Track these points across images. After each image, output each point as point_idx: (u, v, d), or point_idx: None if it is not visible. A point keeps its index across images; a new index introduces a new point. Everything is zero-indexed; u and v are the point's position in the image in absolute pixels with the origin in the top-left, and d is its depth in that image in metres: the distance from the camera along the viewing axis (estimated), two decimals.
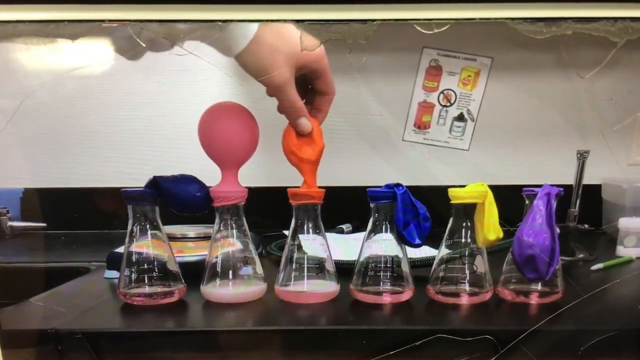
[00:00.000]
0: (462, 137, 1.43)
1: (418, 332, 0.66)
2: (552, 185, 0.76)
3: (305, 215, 0.78)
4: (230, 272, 0.78)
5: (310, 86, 0.81)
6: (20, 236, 1.27)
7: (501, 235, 0.76)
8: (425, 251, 0.92)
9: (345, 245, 1.06)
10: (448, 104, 1.43)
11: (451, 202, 0.77)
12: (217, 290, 0.77)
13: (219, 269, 0.78)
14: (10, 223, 1.26)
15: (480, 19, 0.50)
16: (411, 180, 0.99)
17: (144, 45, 0.58)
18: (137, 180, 0.79)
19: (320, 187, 0.79)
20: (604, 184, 1.35)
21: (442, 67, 1.42)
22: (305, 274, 0.77)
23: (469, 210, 0.77)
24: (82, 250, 1.23)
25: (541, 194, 0.75)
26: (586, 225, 1.13)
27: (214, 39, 0.64)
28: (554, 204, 0.76)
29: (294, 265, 0.78)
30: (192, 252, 0.92)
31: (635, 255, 1.07)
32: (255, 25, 0.71)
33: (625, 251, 1.08)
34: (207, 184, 0.78)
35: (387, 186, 0.77)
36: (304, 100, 0.80)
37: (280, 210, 0.82)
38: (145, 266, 0.77)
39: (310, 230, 0.78)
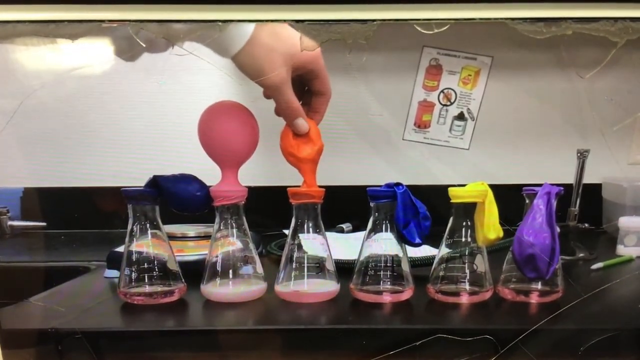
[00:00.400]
0: (462, 136, 1.43)
1: (418, 332, 0.66)
2: (552, 185, 0.76)
3: (306, 214, 0.78)
4: (231, 271, 0.78)
5: (306, 87, 0.81)
6: (20, 235, 1.27)
7: (501, 234, 0.76)
8: (425, 250, 0.92)
9: (345, 245, 1.06)
10: (448, 103, 1.43)
11: (451, 201, 0.77)
12: (217, 290, 0.77)
13: (219, 268, 0.78)
14: (10, 222, 1.25)
15: (480, 19, 0.50)
16: (411, 180, 0.99)
17: (144, 45, 0.58)
18: (137, 179, 0.79)
19: (320, 187, 0.79)
20: (604, 183, 1.35)
21: (442, 66, 1.41)
22: (306, 273, 0.77)
23: (469, 210, 0.77)
24: (82, 250, 1.23)
25: (541, 193, 0.75)
26: (586, 225, 1.13)
27: (211, 40, 0.64)
28: (554, 203, 0.76)
29: (294, 265, 0.78)
30: (192, 252, 0.92)
31: (635, 255, 1.07)
32: (252, 26, 0.71)
33: (625, 250, 1.08)
34: (207, 184, 0.78)
35: (387, 185, 0.77)
36: (300, 102, 0.80)
37: (280, 210, 0.82)
38: (146, 265, 0.77)
39: (311, 230, 0.78)
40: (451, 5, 0.50)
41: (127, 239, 0.77)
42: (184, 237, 1.03)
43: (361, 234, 0.81)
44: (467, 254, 0.77)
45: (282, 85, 0.75)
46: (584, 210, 1.09)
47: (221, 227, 0.79)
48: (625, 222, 1.10)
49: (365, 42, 0.51)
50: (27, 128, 1.39)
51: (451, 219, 0.79)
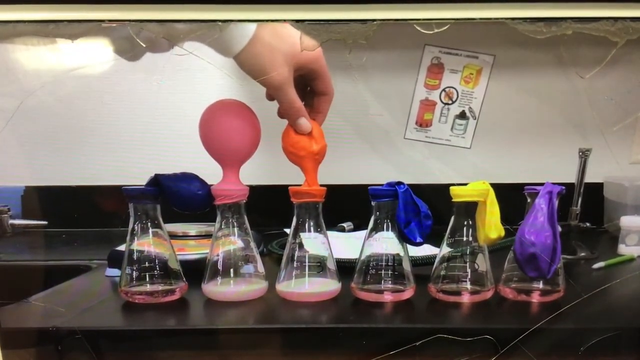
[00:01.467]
0: (463, 135, 1.43)
1: (419, 331, 0.66)
2: (554, 184, 0.76)
3: (307, 213, 0.78)
4: (232, 270, 0.78)
5: (308, 87, 0.81)
6: (21, 234, 1.27)
7: (502, 233, 0.76)
8: (426, 249, 0.92)
9: (346, 244, 1.06)
10: (450, 102, 1.43)
11: (453, 200, 0.77)
12: (218, 289, 0.78)
13: (220, 267, 0.78)
14: (11, 221, 1.25)
15: (480, 19, 0.50)
16: (412, 179, 0.99)
17: (144, 45, 0.58)
18: (138, 178, 0.79)
19: (321, 185, 0.79)
20: (606, 182, 1.35)
21: (443, 65, 1.41)
22: (307, 272, 0.77)
23: (470, 209, 0.77)
24: (83, 249, 1.23)
25: (543, 192, 0.75)
26: (588, 224, 1.13)
27: (213, 39, 0.64)
28: (556, 202, 0.76)
29: (295, 264, 0.78)
30: (194, 250, 0.92)
31: (636, 254, 1.06)
32: (254, 26, 0.71)
33: (626, 249, 1.08)
34: (209, 182, 0.78)
35: (389, 184, 0.77)
36: (303, 102, 0.79)
37: (281, 209, 0.82)
38: (147, 264, 0.77)
39: (312, 229, 0.78)
40: (451, 5, 0.50)
41: (128, 238, 0.78)
42: (185, 236, 1.03)
43: (362, 233, 0.81)
44: (468, 253, 0.77)
45: (284, 84, 0.75)
46: (586, 210, 1.09)
47: (222, 226, 0.79)
48: (627, 221, 1.10)
49: (366, 42, 0.51)
50: (27, 127, 1.39)
51: (452, 218, 0.79)
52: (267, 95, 0.79)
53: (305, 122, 0.78)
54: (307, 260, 0.77)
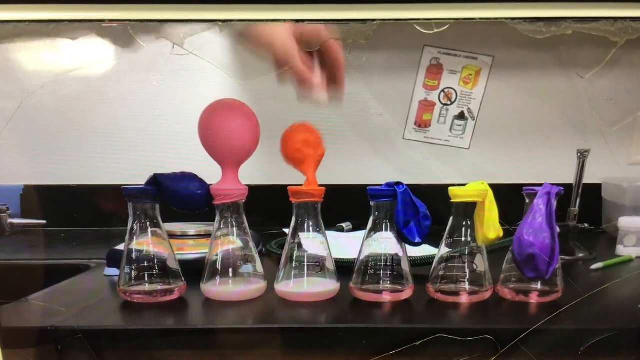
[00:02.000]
0: (462, 135, 1.43)
1: (418, 331, 0.66)
2: (553, 184, 0.76)
3: (306, 213, 0.78)
4: (231, 270, 0.78)
5: (319, 62, 0.81)
6: (20, 233, 1.27)
7: (501, 234, 0.76)
8: (425, 250, 0.92)
9: (345, 244, 1.06)
10: (449, 103, 1.43)
11: (451, 200, 0.77)
12: (217, 288, 0.78)
13: (219, 267, 0.78)
14: (10, 220, 1.25)
15: (480, 18, 0.50)
16: (411, 179, 0.99)
17: (144, 45, 0.58)
18: (137, 177, 0.79)
19: (320, 186, 0.79)
20: (604, 183, 1.35)
21: (443, 66, 1.41)
22: (305, 272, 0.77)
23: (469, 209, 0.77)
24: (82, 248, 1.23)
25: (541, 193, 0.75)
26: (586, 225, 1.13)
27: None
28: (554, 203, 0.76)
29: (294, 264, 0.78)
30: (193, 250, 0.92)
31: (635, 255, 1.07)
32: None
33: (625, 250, 1.08)
34: (208, 182, 0.78)
35: (388, 185, 0.77)
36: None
37: (280, 209, 0.82)
38: (146, 264, 0.77)
39: (311, 229, 0.78)
40: (451, 5, 0.50)
41: (127, 237, 0.78)
42: (184, 236, 1.03)
43: (361, 233, 0.81)
44: (467, 253, 0.77)
45: (291, 54, 0.74)
46: (584, 210, 1.09)
47: (221, 226, 0.79)
48: (625, 222, 1.10)
49: (365, 42, 0.51)
50: (27, 127, 1.39)
51: (451, 219, 0.79)
52: (277, 69, 0.79)
53: (319, 92, 0.78)
54: (306, 260, 0.77)
